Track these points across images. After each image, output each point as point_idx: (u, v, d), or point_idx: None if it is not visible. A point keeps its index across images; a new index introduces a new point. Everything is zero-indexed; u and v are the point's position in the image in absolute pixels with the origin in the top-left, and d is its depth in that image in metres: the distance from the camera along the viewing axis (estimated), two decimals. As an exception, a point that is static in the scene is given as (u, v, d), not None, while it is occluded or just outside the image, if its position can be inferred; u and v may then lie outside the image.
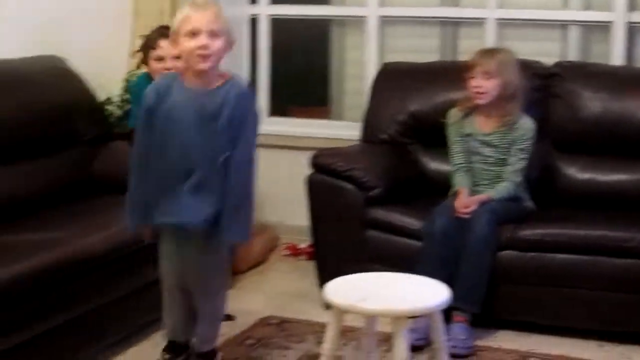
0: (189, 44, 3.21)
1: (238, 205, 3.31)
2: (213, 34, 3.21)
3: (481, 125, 4.40)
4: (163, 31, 4.64)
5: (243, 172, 3.32)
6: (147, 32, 4.94)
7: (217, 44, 3.23)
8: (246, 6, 5.74)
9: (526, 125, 4.35)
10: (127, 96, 5.02)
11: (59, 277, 3.52)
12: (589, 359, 3.94)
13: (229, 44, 3.31)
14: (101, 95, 4.97)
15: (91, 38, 5.13)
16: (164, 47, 4.52)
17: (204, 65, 3.23)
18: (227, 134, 3.26)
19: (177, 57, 4.56)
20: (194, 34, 3.20)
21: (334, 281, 3.35)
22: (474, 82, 4.32)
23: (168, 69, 4.52)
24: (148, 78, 4.67)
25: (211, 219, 3.29)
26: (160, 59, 4.53)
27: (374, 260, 4.27)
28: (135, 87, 4.80)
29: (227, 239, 3.36)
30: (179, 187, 3.28)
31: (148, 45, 4.57)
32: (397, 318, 3.13)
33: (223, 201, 3.28)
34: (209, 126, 3.25)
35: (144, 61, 4.60)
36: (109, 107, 5.05)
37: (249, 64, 5.85)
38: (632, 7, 5.00)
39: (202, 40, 3.19)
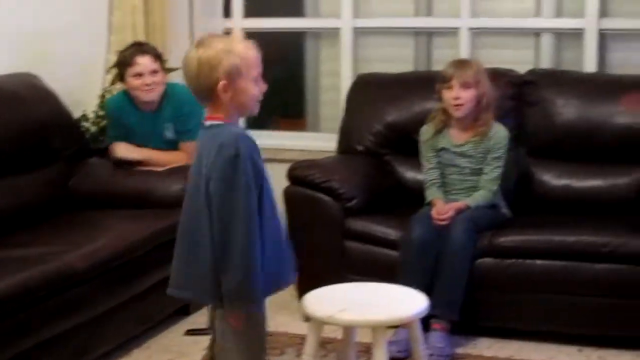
0: (255, 89, 2.83)
1: None
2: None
3: (455, 137, 4.41)
4: (139, 47, 4.66)
5: None
6: (122, 47, 4.95)
7: None
8: (220, 20, 5.71)
9: (500, 133, 4.37)
10: (103, 112, 5.02)
11: (41, 294, 3.50)
12: (568, 364, 3.97)
13: None
14: (76, 112, 4.96)
15: (66, 54, 5.10)
16: (142, 63, 4.53)
17: (257, 111, 2.92)
18: None
19: (155, 72, 4.60)
20: (257, 79, 2.84)
21: (313, 293, 3.36)
22: (452, 94, 4.31)
23: (148, 85, 4.54)
24: (126, 96, 4.68)
25: None
26: (139, 75, 4.54)
27: (352, 271, 4.27)
28: (113, 106, 4.80)
29: None
30: (284, 242, 2.95)
31: (124, 62, 4.57)
32: (376, 328, 3.14)
33: None
34: None
35: (121, 78, 4.59)
36: (85, 124, 5.05)
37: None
38: (603, 13, 5.04)
39: (264, 85, 2.86)
